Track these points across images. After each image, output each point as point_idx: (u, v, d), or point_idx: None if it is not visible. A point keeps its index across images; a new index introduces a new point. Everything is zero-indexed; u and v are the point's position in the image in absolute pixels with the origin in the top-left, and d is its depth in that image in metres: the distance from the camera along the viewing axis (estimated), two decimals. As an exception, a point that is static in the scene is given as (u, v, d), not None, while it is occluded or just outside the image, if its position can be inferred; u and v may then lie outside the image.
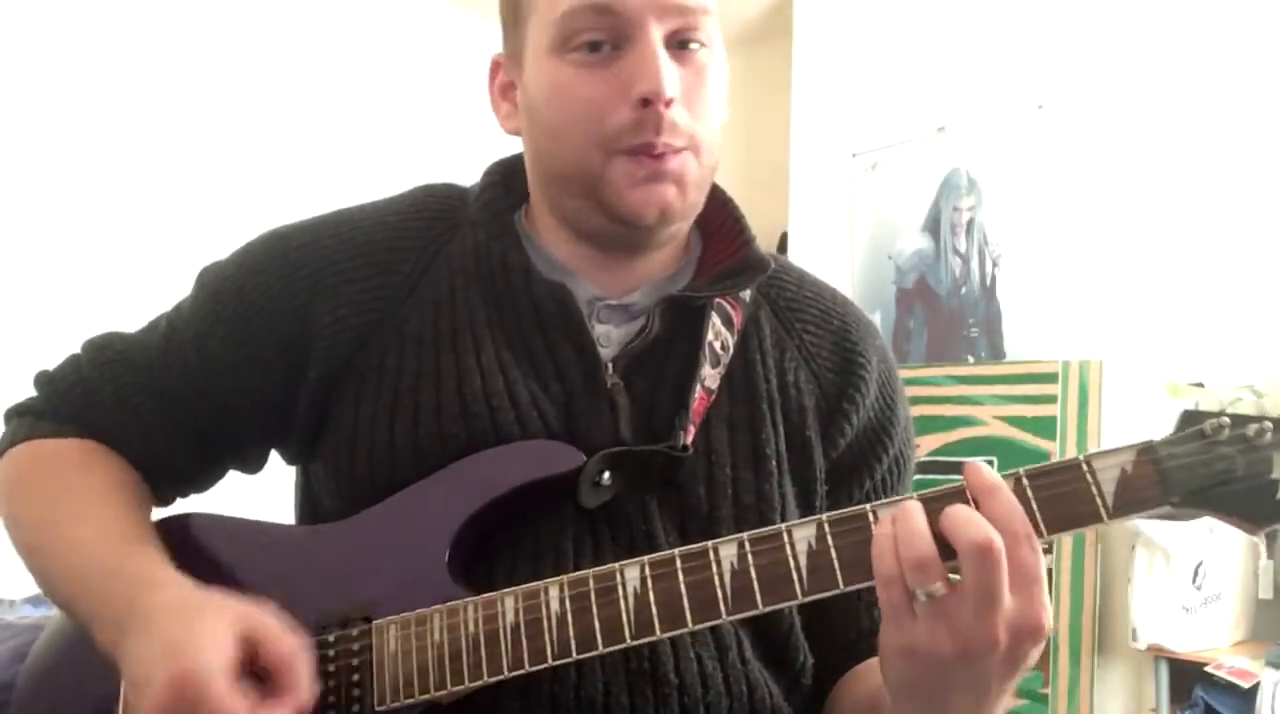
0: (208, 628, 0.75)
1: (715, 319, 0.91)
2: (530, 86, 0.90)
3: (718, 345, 0.91)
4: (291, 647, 0.76)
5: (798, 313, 0.98)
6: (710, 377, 0.90)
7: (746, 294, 0.95)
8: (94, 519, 0.89)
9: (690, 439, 0.87)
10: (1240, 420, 0.71)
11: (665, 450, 0.86)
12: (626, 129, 0.84)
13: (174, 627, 0.76)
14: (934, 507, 0.70)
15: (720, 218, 0.98)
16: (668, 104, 0.84)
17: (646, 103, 0.84)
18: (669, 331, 0.91)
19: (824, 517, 0.75)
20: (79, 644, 0.88)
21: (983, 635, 0.67)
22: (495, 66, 0.96)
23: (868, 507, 0.74)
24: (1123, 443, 0.72)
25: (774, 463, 0.90)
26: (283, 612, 0.79)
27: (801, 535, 0.74)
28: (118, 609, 0.81)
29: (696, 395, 0.88)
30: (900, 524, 0.70)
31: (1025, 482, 0.72)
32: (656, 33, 0.85)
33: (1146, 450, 0.72)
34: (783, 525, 0.75)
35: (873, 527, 0.73)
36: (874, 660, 0.90)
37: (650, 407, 0.89)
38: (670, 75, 0.84)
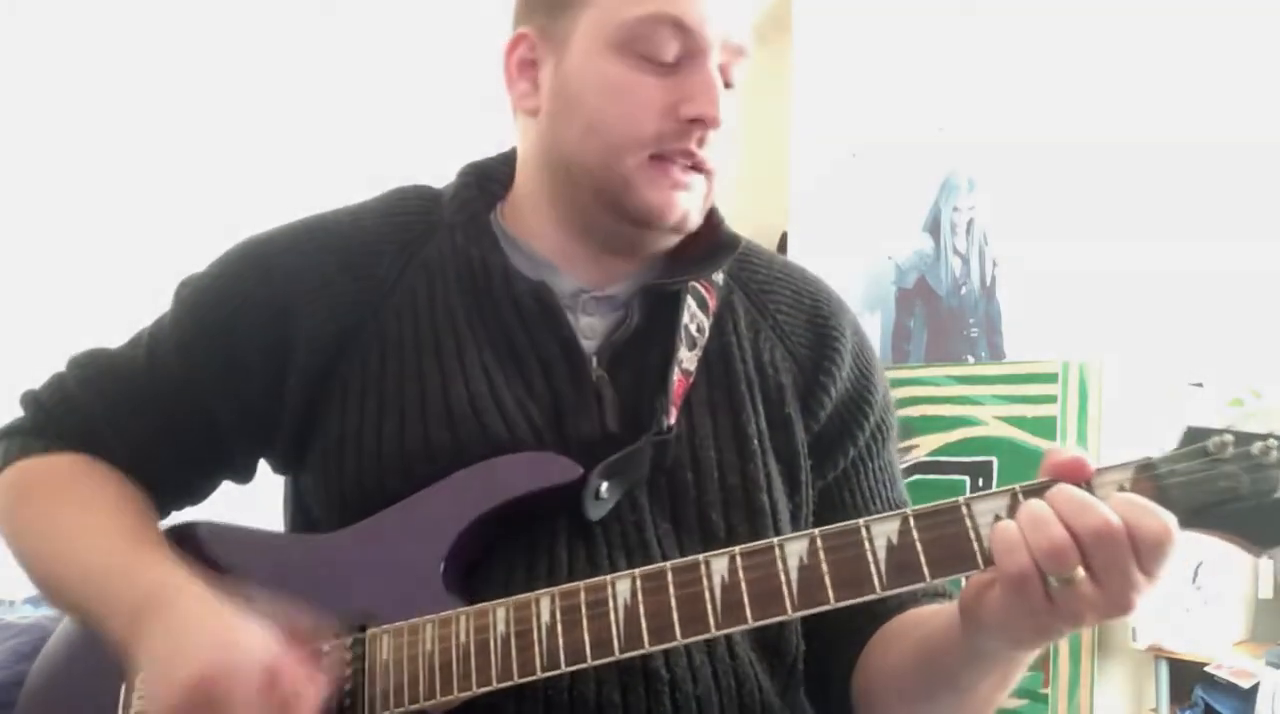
0: (248, 633, 0.77)
1: (690, 302, 0.93)
2: (574, 74, 0.89)
3: (693, 328, 0.93)
4: (311, 682, 0.77)
5: (770, 294, 1.00)
6: (688, 359, 0.92)
7: (720, 277, 0.97)
8: (101, 523, 0.90)
9: (672, 421, 0.89)
10: (1245, 438, 0.69)
11: (651, 439, 0.87)
12: (669, 135, 0.87)
13: (208, 625, 0.78)
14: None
15: None
16: (715, 129, 0.88)
17: (695, 122, 0.87)
18: (648, 320, 0.92)
19: (816, 531, 0.75)
20: (90, 645, 0.88)
21: (1122, 604, 0.68)
22: (518, 40, 0.94)
23: (860, 522, 0.74)
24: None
25: (756, 442, 0.92)
26: (279, 619, 0.80)
27: (793, 550, 0.74)
28: (135, 604, 0.82)
29: (675, 378, 0.90)
30: (1024, 511, 0.68)
31: (1021, 497, 0.71)
32: (716, 62, 0.88)
33: (1146, 467, 0.71)
34: (774, 540, 0.76)
35: (864, 543, 0.73)
36: (913, 614, 0.89)
37: (635, 397, 0.90)
38: (725, 105, 0.87)
